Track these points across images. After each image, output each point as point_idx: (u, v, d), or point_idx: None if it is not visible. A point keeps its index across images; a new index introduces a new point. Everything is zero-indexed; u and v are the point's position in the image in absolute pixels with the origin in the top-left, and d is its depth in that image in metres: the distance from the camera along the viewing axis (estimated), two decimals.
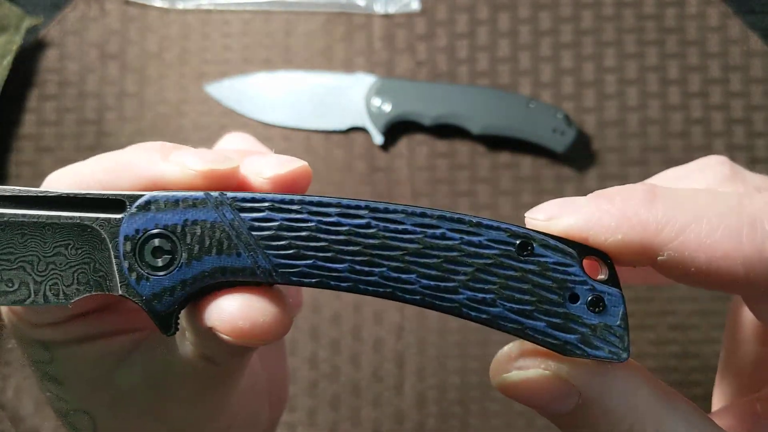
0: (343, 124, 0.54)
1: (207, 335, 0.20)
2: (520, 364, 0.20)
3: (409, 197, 0.53)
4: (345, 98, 0.54)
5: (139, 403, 0.25)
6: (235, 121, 0.54)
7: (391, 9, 0.55)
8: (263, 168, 0.21)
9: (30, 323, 0.23)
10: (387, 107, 0.53)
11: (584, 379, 0.20)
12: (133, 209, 0.20)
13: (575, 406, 0.20)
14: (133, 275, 0.20)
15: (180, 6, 0.56)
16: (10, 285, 0.20)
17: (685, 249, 0.19)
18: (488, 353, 0.51)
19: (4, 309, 0.24)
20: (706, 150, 0.53)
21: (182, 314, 0.21)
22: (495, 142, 0.53)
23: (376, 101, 0.53)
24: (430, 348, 0.52)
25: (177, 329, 0.20)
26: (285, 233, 0.19)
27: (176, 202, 0.19)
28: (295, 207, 0.19)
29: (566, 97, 0.54)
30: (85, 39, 0.56)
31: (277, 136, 0.54)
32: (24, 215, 0.20)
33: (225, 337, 0.19)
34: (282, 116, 0.54)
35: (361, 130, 0.54)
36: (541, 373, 0.20)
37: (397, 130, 0.54)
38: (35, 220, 0.20)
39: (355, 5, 0.55)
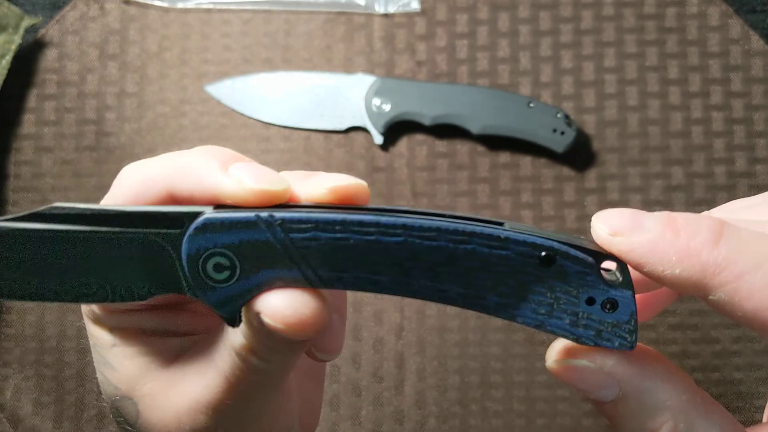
0: (343, 124, 0.54)
1: (258, 327, 0.22)
2: (572, 354, 0.22)
3: (409, 197, 0.53)
4: (345, 98, 0.54)
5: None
6: (235, 121, 0.54)
7: (391, 9, 0.55)
8: (325, 180, 0.23)
9: (104, 308, 0.25)
10: (387, 107, 0.53)
11: (625, 374, 0.21)
12: (192, 230, 0.21)
13: (616, 398, 0.21)
14: (198, 286, 0.22)
15: (180, 6, 0.56)
16: (89, 288, 0.23)
17: (735, 295, 0.20)
18: (488, 353, 0.51)
19: None
20: (706, 150, 0.53)
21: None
22: (495, 142, 0.53)
23: (376, 101, 0.53)
24: (430, 348, 0.52)
25: (241, 321, 0.22)
26: (329, 250, 0.21)
27: (230, 224, 0.21)
28: (338, 227, 0.21)
29: (566, 97, 0.54)
30: (85, 39, 0.56)
31: (277, 136, 0.54)
32: (92, 231, 0.22)
33: (273, 324, 0.21)
34: (282, 116, 0.54)
35: (361, 130, 0.54)
36: (587, 365, 0.22)
37: (397, 130, 0.54)
38: (103, 235, 0.22)
39: (355, 5, 0.55)
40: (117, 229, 0.22)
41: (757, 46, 0.54)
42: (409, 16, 0.55)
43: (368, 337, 0.52)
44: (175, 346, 0.27)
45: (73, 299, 0.23)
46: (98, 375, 0.29)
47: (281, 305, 0.21)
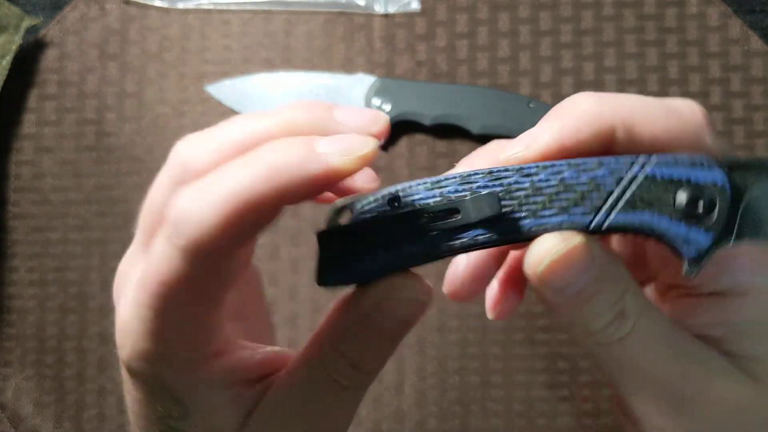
0: None
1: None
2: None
3: None
4: (345, 98, 0.54)
5: None
6: None
7: (391, 9, 0.55)
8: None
9: (169, 365, 0.23)
10: (387, 107, 0.53)
11: (600, 254, 0.22)
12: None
13: (584, 286, 0.22)
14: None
15: (180, 6, 0.56)
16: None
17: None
18: (488, 353, 0.51)
19: (137, 362, 0.23)
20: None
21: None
22: None
23: (376, 101, 0.53)
24: (430, 348, 0.52)
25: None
26: None
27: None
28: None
29: (566, 97, 0.54)
30: (85, 39, 0.56)
31: None
32: None
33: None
34: None
35: None
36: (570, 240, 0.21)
37: (397, 130, 0.54)
38: None
39: (355, 5, 0.55)
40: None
41: (757, 46, 0.54)
42: (409, 16, 0.55)
43: None
44: (259, 392, 0.25)
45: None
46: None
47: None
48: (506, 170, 0.21)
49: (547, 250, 0.21)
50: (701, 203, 0.20)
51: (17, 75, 0.54)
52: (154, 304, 0.22)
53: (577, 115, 0.23)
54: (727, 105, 0.53)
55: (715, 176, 0.20)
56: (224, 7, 0.56)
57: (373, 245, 0.22)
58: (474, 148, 0.54)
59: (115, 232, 0.53)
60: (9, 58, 0.53)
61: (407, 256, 0.22)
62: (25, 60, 0.55)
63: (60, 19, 0.56)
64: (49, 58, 0.55)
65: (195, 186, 0.21)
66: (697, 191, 0.20)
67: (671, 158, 0.20)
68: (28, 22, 0.54)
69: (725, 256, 0.23)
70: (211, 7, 0.56)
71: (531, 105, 0.52)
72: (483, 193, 0.21)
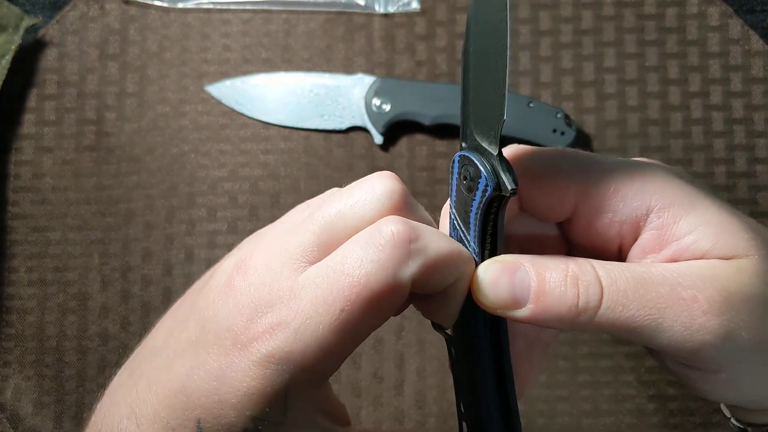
0: (343, 124, 0.54)
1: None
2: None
3: None
4: (345, 98, 0.54)
5: None
6: (235, 121, 0.54)
7: (391, 9, 0.55)
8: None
9: (314, 370, 0.24)
10: (387, 107, 0.53)
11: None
12: None
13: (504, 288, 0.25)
14: None
15: (180, 6, 0.56)
16: None
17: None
18: None
19: (303, 356, 0.24)
20: (706, 150, 0.53)
21: None
22: None
23: (376, 101, 0.53)
24: (430, 348, 0.52)
25: None
26: None
27: None
28: None
29: (566, 97, 0.54)
30: (85, 39, 0.56)
31: (277, 136, 0.54)
32: None
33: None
34: (282, 116, 0.54)
35: (361, 130, 0.54)
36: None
37: (397, 130, 0.54)
38: None
39: (355, 5, 0.55)
40: None
41: (757, 46, 0.54)
42: (409, 16, 0.55)
43: (368, 338, 0.51)
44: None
45: None
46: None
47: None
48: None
49: (474, 285, 0.26)
50: (466, 182, 0.25)
51: (17, 75, 0.54)
52: (366, 307, 0.24)
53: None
54: (727, 105, 0.53)
55: (454, 166, 0.26)
56: (224, 7, 0.56)
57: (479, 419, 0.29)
58: None
59: (115, 232, 0.53)
60: (9, 58, 0.53)
61: None
62: (24, 60, 0.55)
63: (60, 19, 0.56)
64: (48, 57, 0.55)
65: (429, 229, 0.25)
66: (462, 179, 0.25)
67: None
68: (27, 21, 0.54)
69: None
70: (211, 6, 0.56)
71: (531, 105, 0.52)
72: None
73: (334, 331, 0.23)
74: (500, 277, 0.25)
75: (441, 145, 0.54)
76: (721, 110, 0.53)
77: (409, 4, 0.55)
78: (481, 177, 0.24)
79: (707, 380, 0.25)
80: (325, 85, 0.54)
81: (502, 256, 0.25)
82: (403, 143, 0.54)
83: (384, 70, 0.54)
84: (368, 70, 0.54)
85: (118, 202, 0.54)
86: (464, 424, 0.29)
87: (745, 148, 0.53)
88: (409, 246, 0.23)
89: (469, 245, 0.26)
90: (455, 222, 0.26)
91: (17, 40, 0.53)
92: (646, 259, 0.26)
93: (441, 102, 0.52)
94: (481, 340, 0.27)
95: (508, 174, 0.24)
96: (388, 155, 0.54)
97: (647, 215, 0.26)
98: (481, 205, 0.24)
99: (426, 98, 0.53)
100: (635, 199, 0.26)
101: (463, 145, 0.26)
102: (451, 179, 0.26)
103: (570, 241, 0.29)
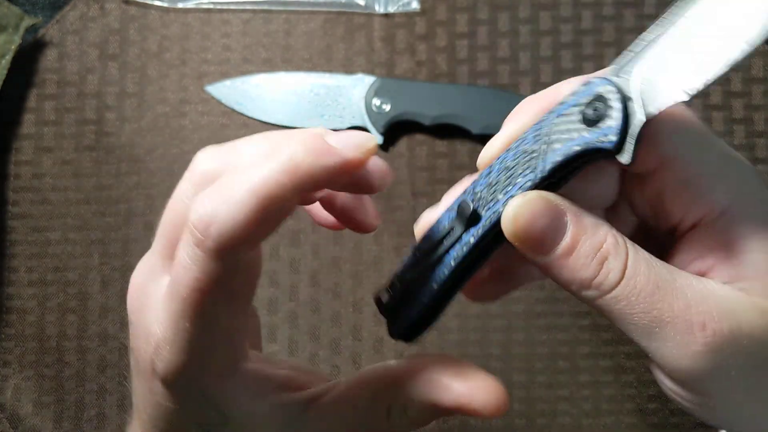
0: (343, 124, 0.54)
1: None
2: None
3: (409, 197, 0.53)
4: (345, 98, 0.54)
5: None
6: (235, 121, 0.54)
7: (391, 9, 0.55)
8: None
9: (209, 373, 0.24)
10: (387, 107, 0.53)
11: (560, 201, 0.24)
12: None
13: (561, 239, 0.23)
14: None
15: (180, 6, 0.56)
16: None
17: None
18: (488, 353, 0.51)
19: (177, 375, 0.24)
20: None
21: None
22: None
23: (376, 101, 0.53)
24: (430, 348, 0.51)
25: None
26: None
27: None
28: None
29: None
30: (85, 39, 0.56)
31: None
32: None
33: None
34: (282, 116, 0.54)
35: (361, 129, 0.54)
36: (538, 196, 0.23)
37: (397, 130, 0.54)
38: None
39: (355, 5, 0.55)
40: None
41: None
42: (409, 16, 0.55)
43: (368, 337, 0.52)
44: (301, 402, 0.26)
45: None
46: None
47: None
48: (472, 185, 0.27)
49: (512, 208, 0.23)
50: (592, 112, 0.23)
51: (17, 75, 0.54)
52: (191, 313, 0.22)
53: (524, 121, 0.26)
54: (727, 104, 0.53)
55: (592, 89, 0.23)
56: (224, 7, 0.56)
57: (411, 295, 0.28)
58: (474, 148, 0.54)
59: (115, 232, 0.53)
60: (8, 58, 0.53)
61: (436, 288, 0.26)
62: (24, 60, 0.55)
63: (60, 19, 0.56)
64: (48, 57, 0.55)
65: (216, 187, 0.22)
66: (588, 106, 0.23)
67: (561, 103, 0.24)
68: (27, 21, 0.54)
69: (650, 137, 0.24)
70: (211, 6, 0.56)
71: None
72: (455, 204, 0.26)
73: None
74: (540, 217, 0.23)
75: (441, 145, 0.54)
76: (721, 110, 0.53)
77: (409, 4, 0.55)
78: (611, 129, 0.22)
79: (694, 400, 0.25)
80: (325, 85, 0.54)
81: (550, 194, 0.24)
82: (403, 143, 0.54)
83: (384, 70, 0.54)
84: (368, 70, 0.54)
85: (118, 202, 0.54)
86: (390, 291, 0.29)
87: (745, 148, 0.53)
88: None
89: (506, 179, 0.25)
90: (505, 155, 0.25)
91: (17, 40, 0.53)
92: (692, 253, 0.25)
93: (441, 102, 0.52)
94: (468, 252, 0.26)
95: (636, 145, 0.22)
96: (388, 155, 0.54)
97: (722, 214, 0.24)
98: (583, 149, 0.23)
99: (426, 98, 0.53)
100: (723, 196, 0.24)
101: (616, 78, 0.23)
102: (569, 97, 0.24)
103: (628, 196, 0.27)
